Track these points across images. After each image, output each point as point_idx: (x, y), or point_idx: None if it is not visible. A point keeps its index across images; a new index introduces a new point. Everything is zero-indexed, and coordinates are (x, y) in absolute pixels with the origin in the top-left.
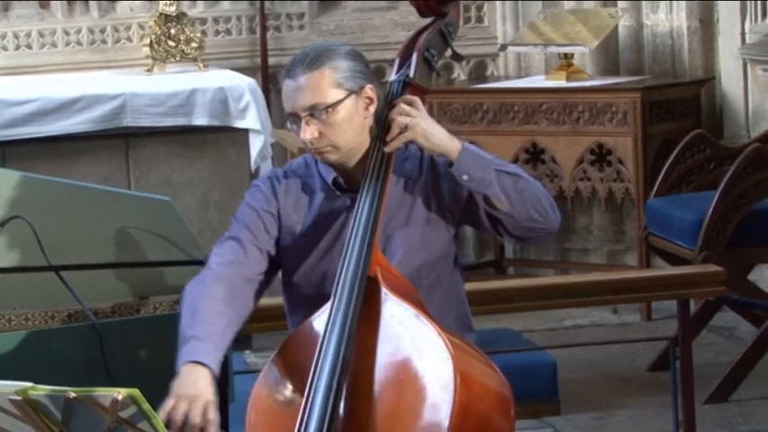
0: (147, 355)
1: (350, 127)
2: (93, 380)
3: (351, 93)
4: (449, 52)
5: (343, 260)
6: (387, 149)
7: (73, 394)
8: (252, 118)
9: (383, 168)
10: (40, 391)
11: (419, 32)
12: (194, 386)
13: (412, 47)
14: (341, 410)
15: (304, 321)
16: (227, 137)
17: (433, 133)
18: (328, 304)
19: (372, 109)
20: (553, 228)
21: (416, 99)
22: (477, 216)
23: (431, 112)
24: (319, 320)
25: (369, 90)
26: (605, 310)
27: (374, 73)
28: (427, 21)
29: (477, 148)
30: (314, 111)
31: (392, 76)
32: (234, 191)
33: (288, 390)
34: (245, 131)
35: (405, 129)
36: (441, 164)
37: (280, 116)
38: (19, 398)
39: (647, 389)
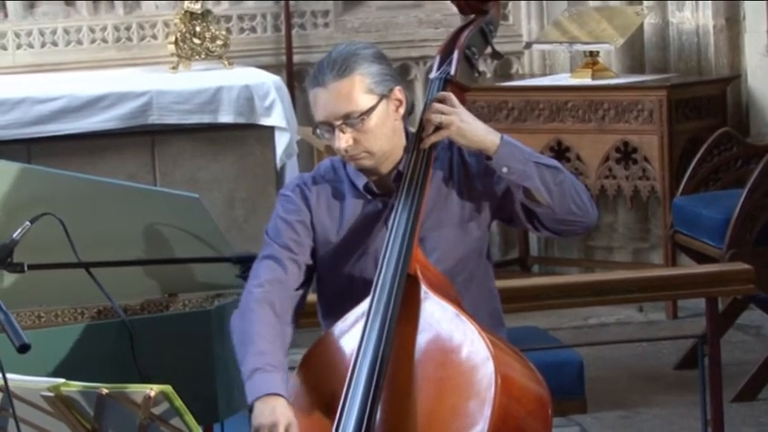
0: (176, 351)
1: (383, 132)
2: (121, 376)
3: (382, 97)
4: (488, 50)
5: (383, 258)
6: (421, 146)
7: (105, 390)
8: (277, 115)
9: (423, 167)
10: (73, 387)
11: (460, 30)
12: (272, 413)
13: (453, 44)
14: (379, 410)
15: (340, 319)
16: (252, 134)
17: (469, 129)
18: (366, 302)
19: (402, 111)
20: (591, 222)
21: (451, 95)
22: (513, 211)
23: None
24: (357, 319)
25: (398, 92)
26: (631, 309)
27: (399, 71)
28: (463, 19)
29: (516, 141)
30: (348, 119)
31: (432, 73)
32: (260, 188)
33: (326, 388)
34: (271, 129)
35: (440, 126)
36: (472, 163)
37: (305, 113)
38: (51, 394)
39: (673, 387)
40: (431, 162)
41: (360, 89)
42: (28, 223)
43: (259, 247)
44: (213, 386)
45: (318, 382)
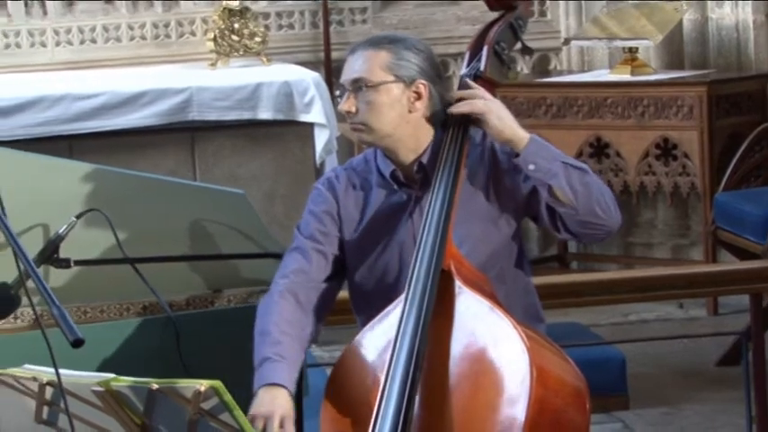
0: (221, 347)
1: (388, 113)
2: (166, 372)
3: (398, 80)
4: (518, 46)
5: (417, 253)
6: (454, 110)
7: (155, 385)
8: (317, 112)
9: (456, 160)
10: (123, 382)
11: (489, 26)
12: (271, 403)
13: (482, 40)
14: (416, 405)
15: (375, 316)
16: (292, 131)
17: (500, 121)
18: (401, 298)
19: (420, 105)
20: (613, 227)
21: (484, 90)
22: (538, 210)
23: None
24: (392, 315)
25: (420, 85)
26: (671, 305)
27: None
28: (495, 14)
29: (545, 141)
30: (356, 84)
31: (462, 69)
32: (299, 185)
33: (362, 384)
34: (310, 125)
35: (474, 107)
36: (503, 159)
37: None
38: (102, 389)
39: (715, 384)
40: (464, 154)
41: (379, 63)
42: (74, 219)
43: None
44: None
45: (355, 378)
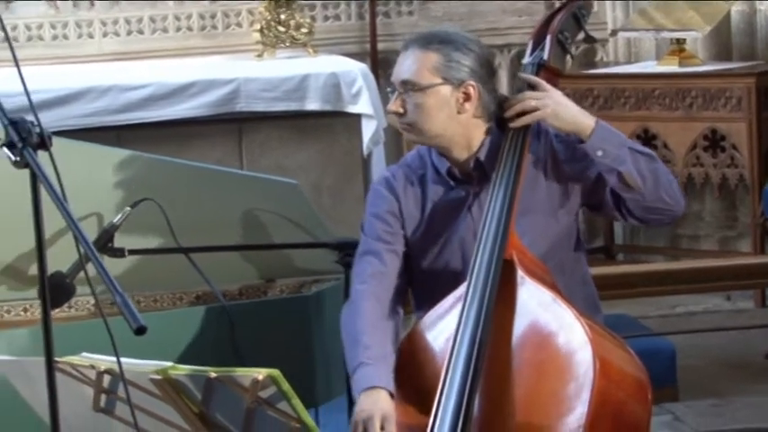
0: (274, 336)
1: (436, 115)
2: (219, 361)
3: (447, 82)
4: (581, 35)
5: (479, 244)
6: (513, 125)
7: (213, 374)
8: (364, 103)
9: (517, 151)
10: (181, 370)
11: (552, 15)
12: (371, 406)
13: (545, 29)
14: (478, 395)
15: (436, 305)
16: (339, 122)
17: (565, 111)
18: (462, 288)
19: (469, 105)
20: (679, 212)
21: (540, 80)
22: (602, 197)
23: None
24: (454, 304)
25: (469, 86)
26: (718, 297)
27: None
28: (544, 5)
29: (611, 127)
30: (405, 86)
31: (526, 58)
32: (346, 176)
33: (423, 373)
34: (358, 116)
35: (534, 109)
36: (560, 150)
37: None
38: (159, 377)
39: (764, 375)
40: (526, 147)
41: (427, 65)
42: (128, 208)
43: (346, 232)
44: (312, 371)
45: (416, 367)
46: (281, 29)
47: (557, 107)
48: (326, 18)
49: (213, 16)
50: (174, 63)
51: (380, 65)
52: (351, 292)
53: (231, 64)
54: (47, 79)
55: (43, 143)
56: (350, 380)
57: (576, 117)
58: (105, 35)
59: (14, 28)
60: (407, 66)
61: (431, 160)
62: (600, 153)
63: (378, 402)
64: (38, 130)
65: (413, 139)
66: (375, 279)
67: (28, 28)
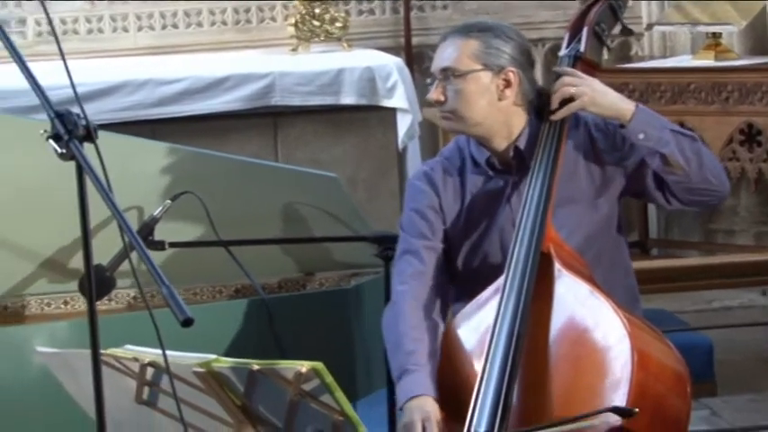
0: (314, 330)
1: (477, 101)
2: (258, 354)
3: (486, 69)
4: (617, 27)
5: (516, 236)
6: (553, 118)
7: (256, 366)
8: (399, 97)
9: (554, 143)
10: (224, 363)
11: (589, 6)
12: (421, 410)
13: (582, 21)
14: (516, 388)
15: (475, 296)
16: (374, 116)
17: (603, 97)
18: (499, 281)
19: (509, 92)
20: (725, 193)
21: (575, 70)
22: (644, 184)
23: None
24: (491, 297)
25: (510, 73)
26: (754, 292)
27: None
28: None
29: (651, 110)
30: (445, 73)
31: (562, 51)
32: (381, 170)
33: (462, 366)
34: (393, 110)
35: (572, 98)
36: (600, 138)
37: (423, 96)
38: (202, 370)
39: None
40: (563, 138)
41: (467, 51)
42: (168, 201)
43: (381, 226)
44: (351, 364)
45: (454, 359)
46: (316, 23)
47: (595, 94)
48: (361, 12)
49: (248, 11)
50: (209, 57)
51: (415, 59)
52: (392, 292)
53: (266, 58)
54: (82, 73)
55: (89, 135)
56: (395, 385)
57: (615, 102)
58: (140, 29)
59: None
60: (447, 54)
61: (469, 151)
62: (641, 136)
63: (421, 407)
64: (83, 122)
65: (453, 128)
66: (415, 279)
67: (63, 22)
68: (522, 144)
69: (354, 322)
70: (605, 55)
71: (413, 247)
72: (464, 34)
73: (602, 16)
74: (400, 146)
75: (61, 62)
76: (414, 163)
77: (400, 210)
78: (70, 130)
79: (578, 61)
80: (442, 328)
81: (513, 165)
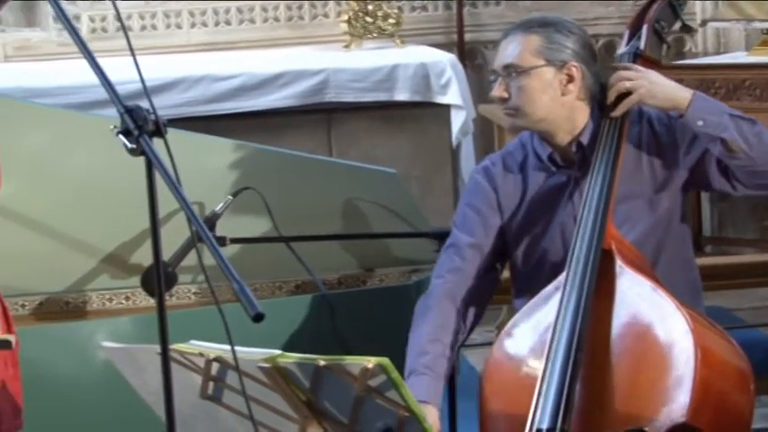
0: (374, 326)
1: (540, 97)
2: (320, 350)
3: (549, 64)
4: (677, 25)
5: (577, 233)
6: (613, 114)
7: (322, 362)
8: (453, 93)
9: (615, 139)
10: (289, 358)
11: (649, 4)
12: None
13: (642, 19)
14: (578, 385)
15: (535, 295)
16: (428, 112)
17: (660, 89)
18: (560, 278)
19: (573, 87)
20: None
21: (632, 65)
22: (708, 174)
23: None
24: (552, 295)
25: (572, 68)
26: None
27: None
28: None
29: (709, 97)
30: (508, 70)
31: (621, 48)
32: (435, 166)
33: (523, 363)
34: (447, 107)
35: (629, 92)
36: (662, 133)
37: (476, 92)
38: (268, 365)
39: None
40: (624, 134)
41: (529, 48)
42: (230, 197)
43: (435, 223)
44: None
45: (514, 358)
46: (369, 19)
47: (651, 86)
48: (413, 9)
49: (300, 7)
50: (262, 54)
51: (467, 56)
52: (430, 283)
53: (319, 55)
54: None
55: (158, 130)
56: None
57: (671, 93)
58: (193, 26)
59: (104, 19)
60: (510, 50)
61: (532, 146)
62: (700, 123)
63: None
64: (153, 117)
65: (517, 124)
66: (451, 275)
67: (117, 19)
68: (585, 139)
69: None
70: (665, 51)
71: (458, 243)
72: (526, 30)
73: (661, 13)
74: (454, 142)
75: (113, 59)
76: (467, 160)
77: (454, 206)
78: (140, 125)
79: (638, 59)
80: (471, 325)
81: (576, 160)
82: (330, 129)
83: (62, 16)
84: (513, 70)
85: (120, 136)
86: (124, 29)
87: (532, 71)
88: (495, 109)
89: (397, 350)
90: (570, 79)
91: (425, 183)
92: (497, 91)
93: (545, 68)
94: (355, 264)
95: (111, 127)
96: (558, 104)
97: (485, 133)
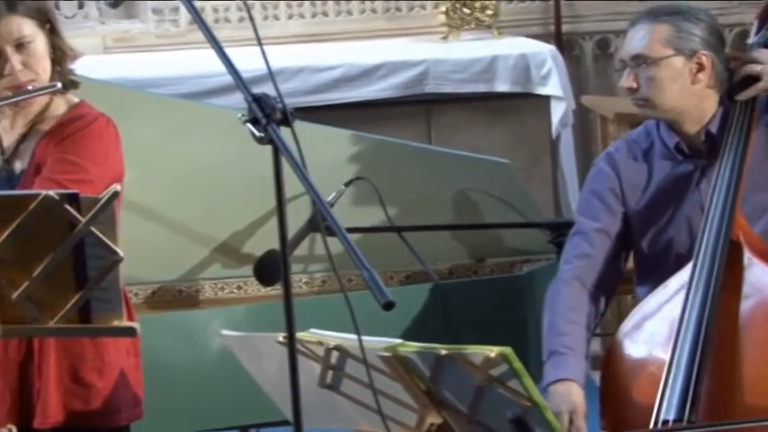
0: (486, 316)
1: (670, 87)
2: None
3: (678, 53)
4: None
5: (705, 224)
6: (738, 97)
7: (444, 351)
8: (554, 84)
9: (745, 127)
10: (410, 347)
11: None
12: (561, 400)
13: None
14: (705, 376)
15: (659, 284)
16: (528, 103)
17: None
18: (686, 269)
19: (702, 76)
20: None
21: (764, 50)
22: None
23: None
24: (677, 286)
25: (702, 56)
26: None
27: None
28: None
29: None
30: (636, 60)
31: (751, 38)
32: (535, 158)
33: (647, 353)
34: (547, 98)
35: (758, 77)
36: None
37: (575, 83)
38: (388, 354)
39: None
40: (754, 122)
41: (658, 37)
42: (343, 187)
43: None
44: (524, 352)
45: (638, 349)
46: (467, 11)
47: None
48: (510, 0)
49: None
50: (360, 45)
51: (565, 47)
52: (558, 271)
53: (418, 46)
54: (238, 61)
55: (286, 119)
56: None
57: None
58: (290, 17)
59: (202, 10)
60: (638, 40)
61: (658, 135)
62: None
63: (567, 396)
64: (280, 106)
65: (647, 115)
66: (580, 260)
67: (215, 10)
68: (713, 128)
69: (528, 309)
70: None
71: (584, 229)
72: (653, 19)
73: None
74: (554, 134)
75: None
76: (567, 151)
77: (554, 197)
78: (268, 114)
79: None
80: (603, 311)
81: (703, 149)
82: (430, 120)
83: (191, 9)
84: (642, 61)
85: (248, 124)
86: (251, 20)
87: (662, 62)
88: (598, 100)
89: (509, 340)
90: (700, 68)
91: (525, 174)
92: (626, 81)
93: (674, 58)
94: (466, 254)
95: (239, 115)
96: (688, 93)
97: (584, 124)
